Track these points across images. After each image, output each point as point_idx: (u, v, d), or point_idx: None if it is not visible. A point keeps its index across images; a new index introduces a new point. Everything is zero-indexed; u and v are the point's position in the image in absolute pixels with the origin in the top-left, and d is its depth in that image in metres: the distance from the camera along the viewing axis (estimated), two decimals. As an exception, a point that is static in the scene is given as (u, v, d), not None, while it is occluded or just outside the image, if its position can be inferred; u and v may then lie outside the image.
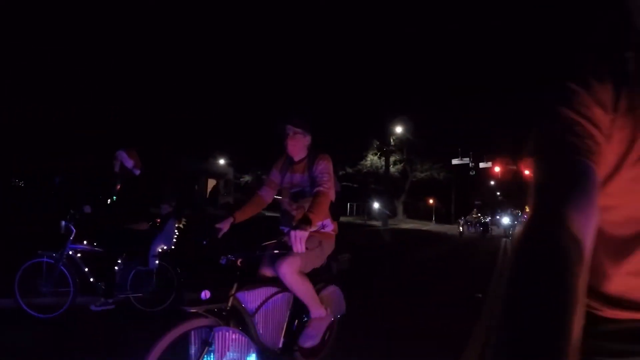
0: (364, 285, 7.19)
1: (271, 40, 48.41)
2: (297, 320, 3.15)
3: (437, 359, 4.11)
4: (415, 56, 52.01)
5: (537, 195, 0.75)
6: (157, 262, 4.96)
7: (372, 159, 41.45)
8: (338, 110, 36.80)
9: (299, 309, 3.12)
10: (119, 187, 5.04)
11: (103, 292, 4.73)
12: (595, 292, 0.92)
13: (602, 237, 0.85)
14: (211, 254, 2.85)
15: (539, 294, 0.60)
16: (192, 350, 2.48)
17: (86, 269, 4.78)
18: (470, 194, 47.11)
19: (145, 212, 5.16)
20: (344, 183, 34.11)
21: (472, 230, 30.74)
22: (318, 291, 3.27)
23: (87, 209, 4.90)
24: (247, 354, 2.64)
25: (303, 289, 2.99)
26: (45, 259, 4.64)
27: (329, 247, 3.32)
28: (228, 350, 2.51)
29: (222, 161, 38.53)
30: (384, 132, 38.17)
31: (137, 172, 5.07)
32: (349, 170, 39.79)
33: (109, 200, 5.09)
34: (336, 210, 3.40)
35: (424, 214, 47.30)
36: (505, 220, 29.91)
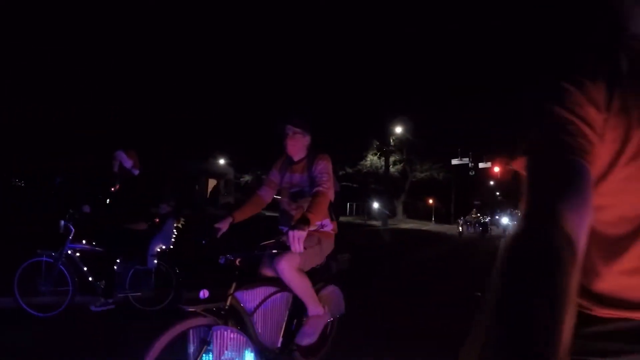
0: (363, 285, 7.19)
1: (271, 40, 48.42)
2: (295, 320, 3.14)
3: (437, 358, 4.12)
4: (415, 56, 52.00)
5: (530, 194, 0.75)
6: (155, 261, 4.97)
7: (372, 159, 41.44)
8: (338, 111, 36.81)
9: (297, 309, 3.12)
10: (116, 187, 5.05)
11: (103, 292, 4.74)
12: (587, 292, 0.92)
13: (594, 236, 0.85)
14: (210, 253, 2.86)
15: (530, 293, 0.60)
16: (191, 349, 2.48)
17: (85, 268, 4.80)
18: (470, 194, 47.10)
19: (145, 212, 5.17)
20: (344, 183, 34.12)
21: (472, 230, 30.76)
22: (317, 291, 3.27)
23: (86, 209, 4.93)
24: (245, 353, 2.64)
25: (301, 286, 2.99)
26: (44, 258, 4.66)
27: (328, 245, 3.32)
28: (226, 349, 2.52)
29: (222, 161, 38.52)
30: (384, 132, 38.17)
31: (136, 172, 5.09)
32: (349, 170, 39.76)
33: (107, 200, 5.10)
34: (335, 210, 3.40)
35: (424, 214, 47.28)
36: (505, 220, 29.92)
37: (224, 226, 3.08)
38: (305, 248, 2.66)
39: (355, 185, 39.45)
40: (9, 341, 3.93)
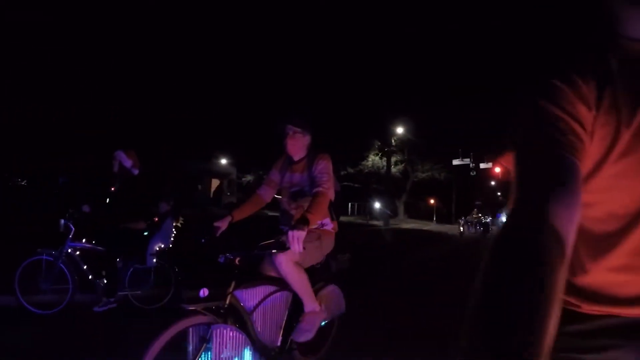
0: (365, 285, 7.19)
1: (271, 40, 48.47)
2: (295, 319, 3.13)
3: (438, 358, 4.10)
4: (415, 56, 52.03)
5: (519, 189, 0.75)
6: (154, 260, 5.00)
7: (374, 159, 41.47)
8: (339, 111, 36.86)
9: (297, 308, 3.11)
10: (114, 188, 5.07)
11: (105, 291, 4.76)
12: (574, 288, 0.93)
13: (582, 233, 0.85)
14: (210, 252, 2.85)
15: (517, 289, 0.59)
16: (190, 347, 2.48)
17: (85, 267, 4.83)
18: (471, 194, 47.09)
19: (145, 211, 5.18)
20: (346, 183, 34.18)
21: (473, 230, 30.77)
22: (317, 290, 3.27)
23: (86, 209, 4.97)
24: (245, 351, 2.63)
25: (298, 280, 2.98)
26: (44, 257, 4.69)
27: (328, 243, 3.31)
28: (225, 348, 2.51)
29: (224, 161, 38.59)
30: (386, 133, 38.23)
31: (136, 171, 5.10)
32: (351, 170, 39.80)
33: (107, 200, 5.11)
34: (336, 210, 3.40)
35: (425, 214, 47.30)
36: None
37: (223, 225, 3.10)
38: (304, 248, 2.65)
39: (357, 185, 39.51)
40: (9, 340, 3.93)
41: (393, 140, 39.13)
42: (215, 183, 35.60)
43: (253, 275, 3.06)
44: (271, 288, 2.95)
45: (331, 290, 3.43)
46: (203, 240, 2.98)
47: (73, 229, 4.78)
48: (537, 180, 0.74)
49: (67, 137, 23.56)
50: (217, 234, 3.06)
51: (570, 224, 0.68)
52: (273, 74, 41.00)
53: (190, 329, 2.47)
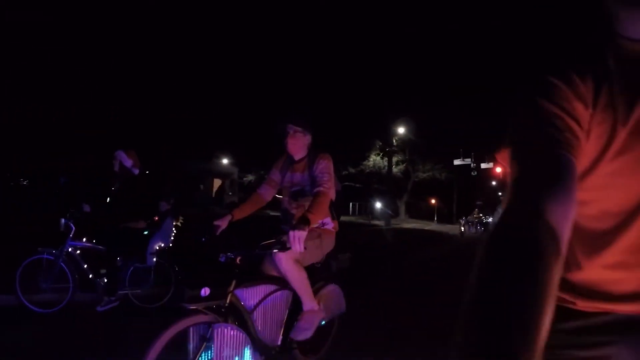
0: (366, 284, 7.18)
1: (271, 40, 48.47)
2: (296, 318, 3.13)
3: (439, 358, 4.09)
4: (415, 56, 52.02)
5: (515, 186, 0.74)
6: (154, 259, 5.01)
7: (375, 159, 41.45)
8: (340, 111, 36.89)
9: (298, 307, 3.11)
10: (115, 187, 5.07)
11: (105, 290, 4.77)
12: (569, 285, 0.93)
13: (577, 230, 0.86)
14: (210, 251, 2.84)
15: (511, 286, 0.58)
16: (191, 346, 2.47)
17: (85, 266, 4.84)
18: (472, 194, 47.06)
19: (145, 210, 5.18)
20: (347, 183, 34.19)
21: (474, 230, 30.74)
22: (318, 290, 3.27)
23: (87, 208, 4.98)
24: (245, 350, 2.62)
25: (298, 278, 2.98)
26: (45, 256, 4.71)
27: (328, 242, 3.30)
28: (226, 346, 2.51)
29: (225, 161, 38.62)
30: (387, 133, 38.17)
31: (136, 171, 5.11)
32: (352, 170, 39.81)
33: (108, 200, 5.12)
34: (337, 209, 3.39)
35: (426, 214, 47.28)
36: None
37: (223, 224, 3.10)
38: (305, 248, 2.65)
39: (358, 185, 39.52)
40: (9, 340, 3.93)
41: (394, 140, 39.08)
42: (217, 183, 35.63)
43: (254, 275, 3.05)
44: (272, 287, 2.94)
45: (331, 289, 3.43)
46: (203, 240, 2.98)
47: (73, 228, 4.79)
48: (533, 177, 0.74)
49: (68, 137, 23.60)
50: (217, 233, 3.06)
51: (565, 221, 0.68)
52: (273, 74, 41.06)
53: (191, 328, 2.47)
